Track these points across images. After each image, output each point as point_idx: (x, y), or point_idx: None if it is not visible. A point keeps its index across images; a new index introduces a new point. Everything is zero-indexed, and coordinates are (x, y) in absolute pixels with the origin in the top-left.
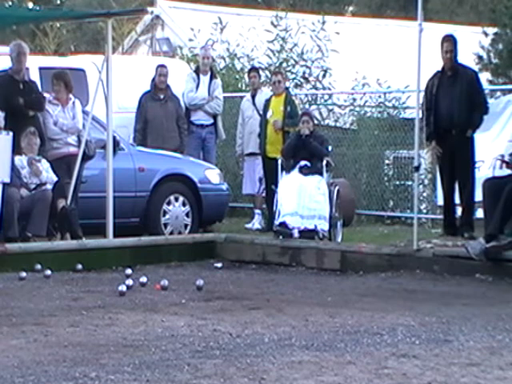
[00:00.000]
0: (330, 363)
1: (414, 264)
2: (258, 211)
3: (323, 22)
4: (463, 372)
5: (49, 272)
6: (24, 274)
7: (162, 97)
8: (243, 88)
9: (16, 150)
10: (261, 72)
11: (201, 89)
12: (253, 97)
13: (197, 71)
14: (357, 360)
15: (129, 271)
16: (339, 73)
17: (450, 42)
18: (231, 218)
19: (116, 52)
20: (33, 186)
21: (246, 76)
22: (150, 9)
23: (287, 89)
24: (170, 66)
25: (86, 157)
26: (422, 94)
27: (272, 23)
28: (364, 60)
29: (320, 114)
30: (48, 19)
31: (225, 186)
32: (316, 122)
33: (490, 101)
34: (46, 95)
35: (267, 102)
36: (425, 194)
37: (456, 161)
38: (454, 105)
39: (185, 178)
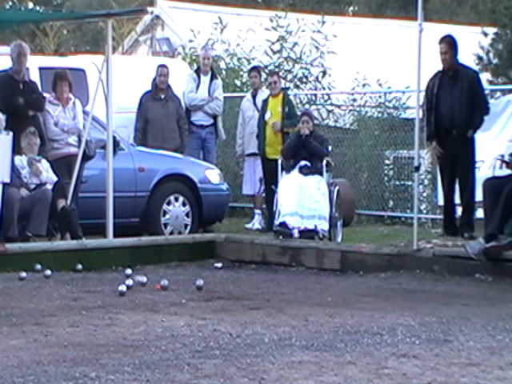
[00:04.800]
0: (330, 363)
1: (414, 264)
2: (258, 211)
3: (323, 22)
4: (463, 372)
5: (49, 272)
6: (24, 274)
7: (162, 97)
8: (243, 88)
9: (16, 149)
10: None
11: (201, 89)
12: (253, 97)
13: (197, 71)
14: (357, 360)
15: (129, 271)
16: (339, 73)
17: (445, 43)
18: (231, 218)
19: (116, 52)
20: (33, 186)
21: (245, 76)
22: (149, 9)
23: (284, 89)
24: (171, 66)
25: (87, 157)
26: (422, 94)
27: (271, 21)
28: (364, 60)
29: (319, 114)
30: (49, 20)
31: (225, 186)
32: (316, 122)
33: (490, 101)
34: (46, 95)
35: (265, 102)
36: (425, 194)
37: (456, 161)
38: (455, 105)
39: (185, 178)
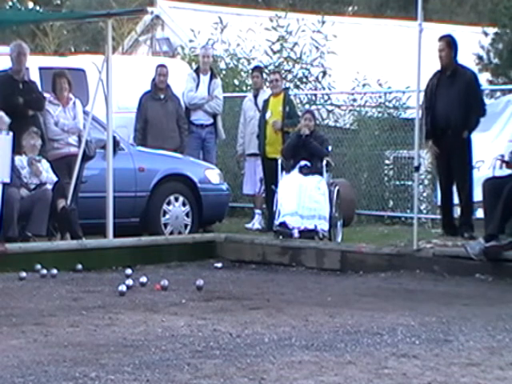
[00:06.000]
0: (330, 363)
1: (414, 264)
2: (258, 211)
3: (323, 22)
4: (463, 372)
5: (54, 271)
6: (24, 274)
7: (162, 97)
8: (244, 88)
9: (16, 149)
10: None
11: (201, 88)
12: (255, 97)
13: (197, 71)
14: (357, 360)
15: (129, 271)
16: (339, 73)
17: (443, 41)
18: (231, 218)
19: (116, 52)
20: (33, 186)
21: (247, 78)
22: (149, 9)
23: (286, 89)
24: (170, 66)
25: (87, 157)
26: (422, 94)
27: (271, 21)
28: (364, 60)
29: (319, 114)
30: (49, 20)
31: (225, 186)
32: (316, 122)
33: (490, 101)
34: (47, 95)
35: (265, 102)
36: (425, 194)
37: (453, 161)
38: (451, 105)
39: (185, 178)
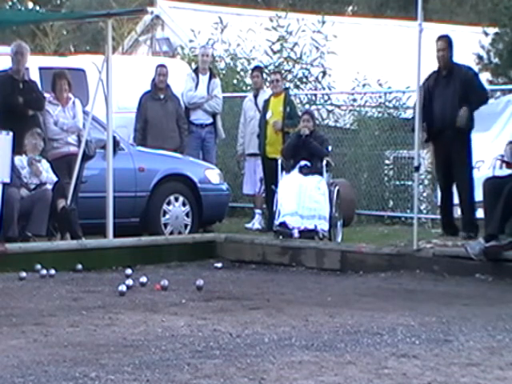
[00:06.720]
0: (330, 363)
1: (414, 264)
2: (258, 211)
3: (323, 22)
4: (463, 372)
5: (50, 271)
6: (24, 274)
7: (161, 97)
8: (243, 88)
9: (17, 149)
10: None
11: (200, 88)
12: (255, 97)
13: (196, 71)
14: (357, 360)
15: (129, 271)
16: (339, 73)
17: (442, 40)
18: (231, 218)
19: (116, 52)
20: (33, 186)
21: (246, 76)
22: (149, 9)
23: (286, 89)
24: (170, 66)
25: (86, 157)
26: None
27: (271, 21)
28: (364, 60)
29: (319, 114)
30: (49, 20)
31: (225, 186)
32: (316, 122)
33: (490, 101)
34: (46, 95)
35: (266, 102)
36: (425, 194)
37: (452, 161)
38: (447, 105)
39: (185, 178)
